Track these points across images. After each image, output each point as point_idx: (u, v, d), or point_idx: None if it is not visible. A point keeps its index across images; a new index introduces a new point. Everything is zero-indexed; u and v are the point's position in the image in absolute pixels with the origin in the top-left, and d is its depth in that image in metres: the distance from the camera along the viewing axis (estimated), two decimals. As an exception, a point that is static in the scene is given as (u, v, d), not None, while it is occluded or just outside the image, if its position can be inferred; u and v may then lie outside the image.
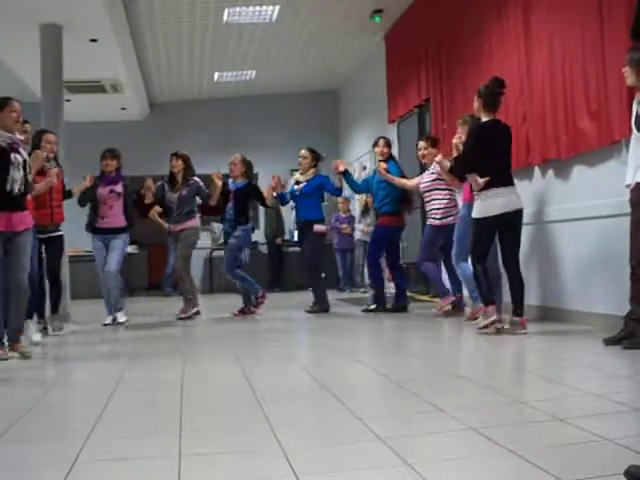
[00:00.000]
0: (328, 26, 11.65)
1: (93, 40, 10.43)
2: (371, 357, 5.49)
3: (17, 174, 5.51)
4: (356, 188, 9.40)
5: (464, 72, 8.72)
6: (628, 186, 5.01)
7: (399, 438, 2.89)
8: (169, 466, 2.65)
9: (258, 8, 10.72)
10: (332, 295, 11.74)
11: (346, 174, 8.88)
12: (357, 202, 13.57)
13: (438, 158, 7.50)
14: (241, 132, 15.29)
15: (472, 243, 6.31)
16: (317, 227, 8.78)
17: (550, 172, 6.97)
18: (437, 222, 7.86)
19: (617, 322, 5.17)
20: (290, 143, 15.26)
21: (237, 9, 10.71)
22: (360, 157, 13.94)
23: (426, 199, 8.09)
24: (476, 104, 6.34)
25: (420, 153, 8.13)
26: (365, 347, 6.24)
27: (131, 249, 13.94)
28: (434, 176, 7.92)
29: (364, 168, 13.54)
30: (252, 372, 4.66)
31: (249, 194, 8.86)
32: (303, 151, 9.13)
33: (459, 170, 6.64)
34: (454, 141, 6.77)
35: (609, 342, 5.04)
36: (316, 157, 9.04)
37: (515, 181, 6.29)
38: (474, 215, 6.24)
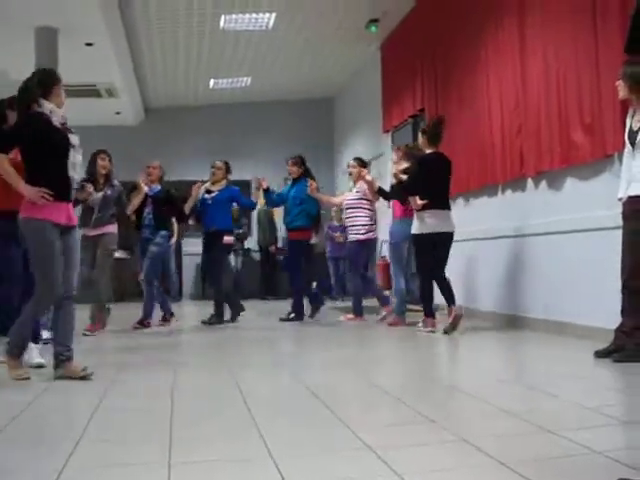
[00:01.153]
0: (324, 34, 11.68)
1: (89, 44, 10.43)
2: (361, 366, 5.47)
3: (78, 157, 4.88)
4: (271, 203, 9.77)
5: (459, 83, 8.75)
6: (620, 199, 5.03)
7: (389, 448, 2.89)
8: (158, 474, 2.64)
9: (254, 15, 10.75)
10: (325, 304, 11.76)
11: (267, 192, 9.16)
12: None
13: (369, 177, 8.46)
14: (236, 139, 15.29)
15: (415, 257, 7.55)
16: (226, 238, 8.90)
17: (543, 184, 6.99)
18: (362, 237, 8.60)
19: (608, 335, 5.17)
20: (285, 150, 15.23)
21: (234, 16, 10.73)
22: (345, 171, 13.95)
23: (350, 215, 8.78)
24: (421, 139, 7.34)
25: (349, 171, 8.92)
26: (355, 356, 6.22)
27: (121, 254, 13.90)
28: (359, 195, 8.68)
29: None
30: (242, 381, 4.65)
31: (166, 200, 8.61)
32: (218, 162, 9.15)
33: (396, 195, 7.95)
34: (392, 171, 8.08)
35: (600, 355, 5.05)
36: (228, 169, 9.14)
37: (507, 193, 6.36)
38: (412, 231, 7.34)
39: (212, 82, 14.35)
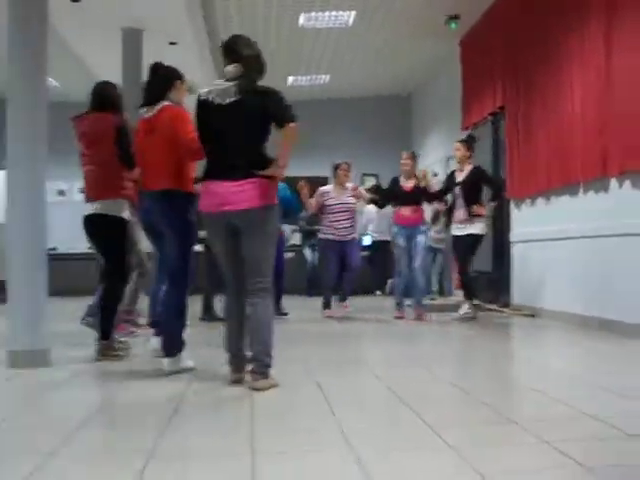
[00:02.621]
0: (403, 31, 11.67)
1: (172, 43, 10.64)
2: (437, 365, 5.49)
3: None
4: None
5: (541, 81, 8.63)
6: None
7: (471, 447, 2.92)
8: (243, 462, 2.73)
9: (334, 13, 10.81)
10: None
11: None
12: (428, 209, 13.51)
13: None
14: (313, 135, 15.36)
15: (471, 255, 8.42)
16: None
17: (627, 183, 6.87)
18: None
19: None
20: (362, 147, 15.34)
21: (313, 14, 10.82)
22: (432, 164, 13.90)
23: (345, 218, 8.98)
24: (466, 153, 8.47)
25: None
26: (430, 354, 6.24)
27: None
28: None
29: (435, 175, 13.49)
30: (320, 375, 4.73)
31: None
32: None
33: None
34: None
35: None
36: None
37: (589, 193, 6.29)
38: (482, 232, 8.30)
39: (290, 79, 14.47)
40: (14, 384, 4.54)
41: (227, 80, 4.42)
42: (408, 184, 8.68)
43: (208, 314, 8.57)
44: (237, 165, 4.29)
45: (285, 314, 8.93)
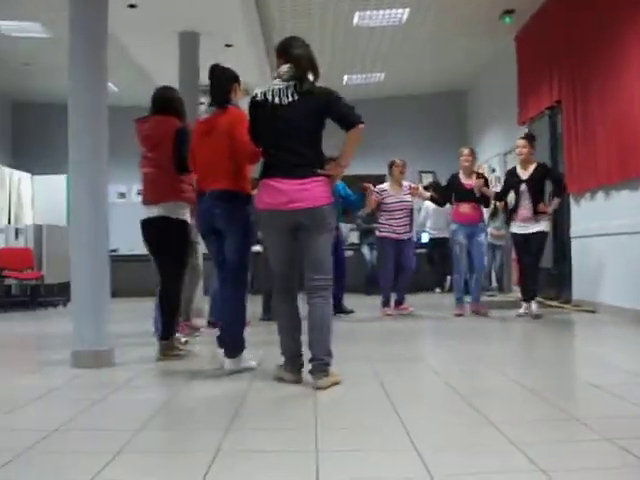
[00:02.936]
0: (457, 27, 11.60)
1: (228, 45, 10.74)
2: (499, 362, 5.47)
3: None
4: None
5: (599, 74, 8.50)
6: None
7: (534, 445, 2.91)
8: (307, 460, 2.77)
9: (388, 11, 10.81)
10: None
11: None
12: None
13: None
14: (369, 133, 15.25)
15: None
16: None
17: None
18: None
19: None
20: (418, 144, 15.29)
21: (367, 12, 10.83)
22: (489, 159, 13.80)
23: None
24: (531, 150, 8.31)
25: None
26: (492, 352, 6.21)
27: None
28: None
29: (493, 171, 13.39)
30: (382, 372, 4.74)
31: None
32: None
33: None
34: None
35: None
36: None
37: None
38: (548, 229, 8.32)
39: (345, 78, 14.49)
40: (78, 384, 4.64)
41: (283, 80, 4.44)
42: (468, 181, 8.63)
43: (268, 314, 8.65)
44: (300, 164, 4.33)
45: (351, 312, 9.00)
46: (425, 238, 13.67)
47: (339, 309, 8.82)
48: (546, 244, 8.50)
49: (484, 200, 8.75)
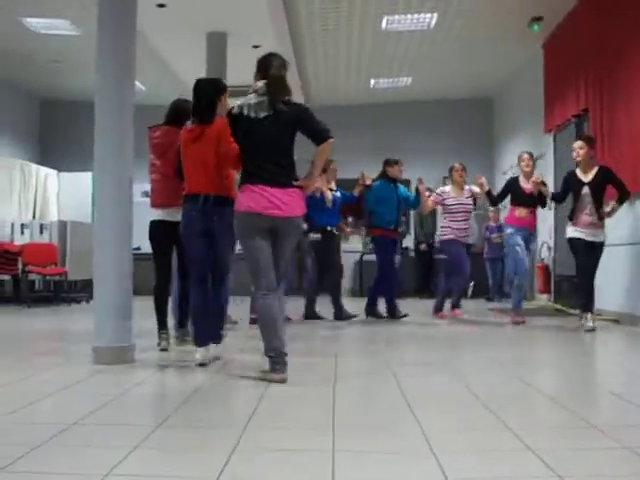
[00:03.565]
0: (485, 33, 11.57)
1: (256, 46, 10.77)
2: (518, 368, 5.44)
3: None
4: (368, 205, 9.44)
5: (627, 83, 8.45)
6: None
7: (551, 451, 2.89)
8: (323, 460, 2.77)
9: (416, 16, 10.80)
10: (481, 304, 11.69)
11: (368, 188, 9.11)
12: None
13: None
14: (394, 137, 15.35)
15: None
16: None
17: None
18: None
19: None
20: (443, 150, 15.23)
21: (396, 17, 10.83)
22: (514, 166, 13.72)
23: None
24: (590, 152, 7.76)
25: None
26: (511, 357, 6.19)
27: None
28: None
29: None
30: (400, 376, 4.73)
31: None
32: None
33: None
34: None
35: None
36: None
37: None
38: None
39: (372, 82, 14.50)
40: (98, 380, 4.67)
41: (259, 95, 4.72)
42: (528, 185, 8.46)
43: (312, 313, 8.90)
44: (280, 174, 4.64)
45: (404, 315, 9.08)
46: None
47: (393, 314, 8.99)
48: (568, 251, 8.37)
49: (541, 201, 8.57)
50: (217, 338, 5.35)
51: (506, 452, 2.92)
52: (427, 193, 9.22)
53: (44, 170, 14.22)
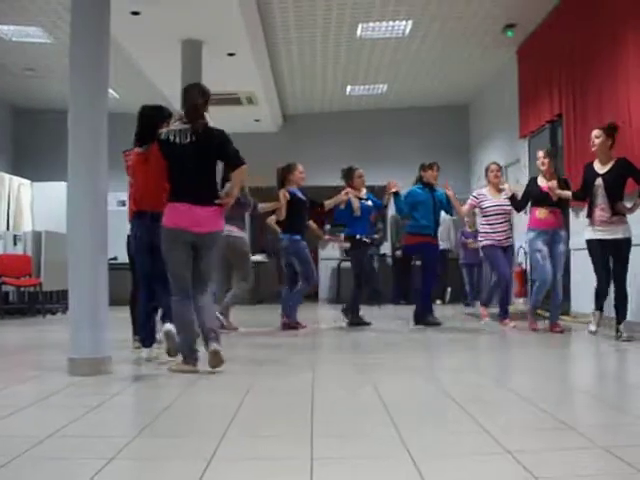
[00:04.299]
0: (460, 40, 11.63)
1: (231, 54, 10.77)
2: (495, 371, 5.45)
3: None
4: (402, 212, 9.33)
5: (599, 88, 8.53)
6: None
7: (528, 453, 2.89)
8: (302, 468, 2.75)
9: (391, 23, 10.83)
10: (459, 310, 11.72)
11: (397, 195, 9.05)
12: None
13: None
14: (370, 144, 15.38)
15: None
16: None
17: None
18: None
19: None
20: (419, 156, 15.16)
21: (371, 24, 10.85)
22: (481, 178, 13.77)
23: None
24: (608, 141, 7.13)
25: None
26: (490, 362, 6.19)
27: (261, 258, 14.30)
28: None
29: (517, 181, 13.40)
30: (379, 382, 4.71)
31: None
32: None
33: None
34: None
35: None
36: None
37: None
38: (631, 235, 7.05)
39: (348, 89, 14.52)
40: (74, 391, 4.62)
41: (183, 123, 5.35)
42: (545, 183, 7.96)
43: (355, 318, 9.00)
44: (201, 194, 5.24)
45: (438, 323, 8.91)
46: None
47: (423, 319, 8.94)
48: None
49: (563, 203, 8.04)
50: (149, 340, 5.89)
51: (484, 455, 2.92)
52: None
53: (17, 180, 14.06)
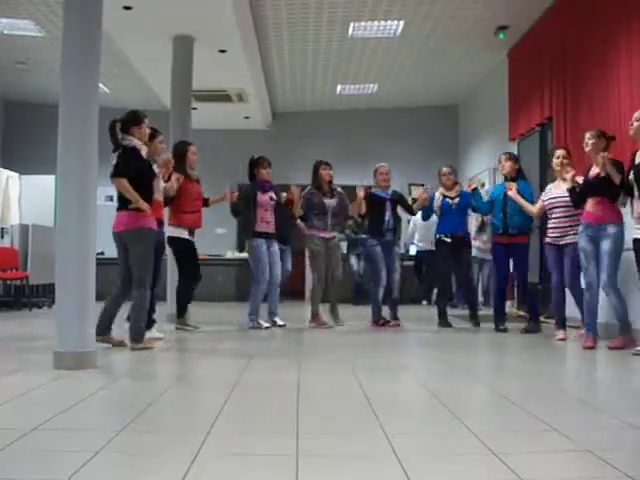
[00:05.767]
0: (451, 42, 11.66)
1: (222, 51, 10.76)
2: (482, 373, 5.47)
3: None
4: (481, 210, 9.13)
5: (590, 92, 8.57)
6: None
7: (514, 455, 2.90)
8: (287, 464, 2.75)
9: (383, 23, 10.85)
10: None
11: (475, 192, 8.89)
12: (473, 219, 13.42)
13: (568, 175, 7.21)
14: (360, 144, 15.40)
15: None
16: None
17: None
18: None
19: None
20: (409, 157, 15.33)
21: (362, 23, 10.86)
22: (479, 174, 13.83)
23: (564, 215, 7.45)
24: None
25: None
26: (479, 363, 6.21)
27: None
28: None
29: (482, 185, 13.39)
30: (365, 381, 4.72)
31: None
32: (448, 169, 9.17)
33: None
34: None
35: None
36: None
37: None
38: None
39: (339, 88, 14.53)
40: (59, 385, 4.61)
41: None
42: (592, 171, 6.83)
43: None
44: (123, 201, 6.31)
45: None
46: (413, 251, 13.68)
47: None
48: (530, 257, 8.42)
49: (612, 190, 6.54)
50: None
51: (470, 456, 2.93)
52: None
53: (5, 173, 13.98)
